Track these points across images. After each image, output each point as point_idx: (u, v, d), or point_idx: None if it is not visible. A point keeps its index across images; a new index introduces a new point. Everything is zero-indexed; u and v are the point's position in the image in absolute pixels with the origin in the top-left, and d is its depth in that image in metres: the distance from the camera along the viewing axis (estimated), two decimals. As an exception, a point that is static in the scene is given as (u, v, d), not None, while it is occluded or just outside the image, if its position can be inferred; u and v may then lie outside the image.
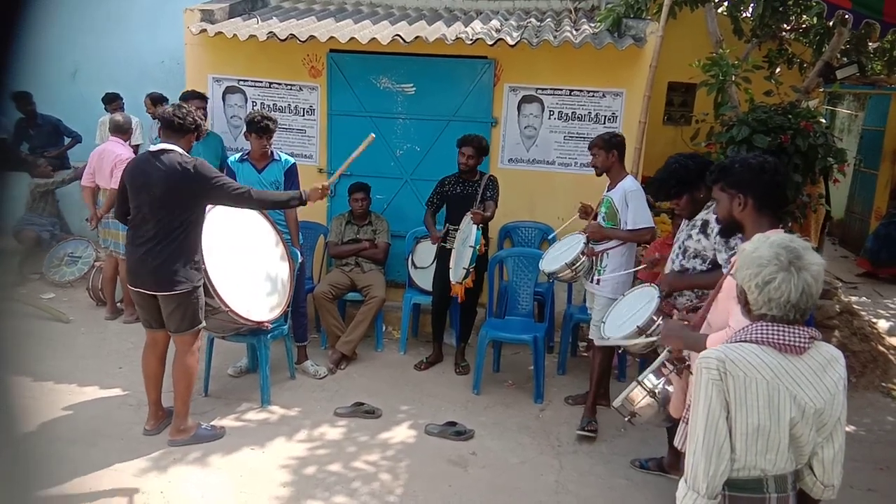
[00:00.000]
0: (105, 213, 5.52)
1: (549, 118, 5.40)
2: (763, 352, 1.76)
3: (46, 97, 7.16)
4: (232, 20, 5.56)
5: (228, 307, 3.80)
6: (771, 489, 1.79)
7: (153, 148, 3.68)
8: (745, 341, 1.79)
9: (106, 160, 5.43)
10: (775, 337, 1.76)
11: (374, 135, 4.12)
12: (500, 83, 5.40)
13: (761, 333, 1.78)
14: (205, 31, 5.26)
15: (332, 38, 5.04)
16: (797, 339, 1.75)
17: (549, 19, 5.76)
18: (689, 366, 2.55)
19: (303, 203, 3.91)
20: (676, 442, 2.59)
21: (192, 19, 5.43)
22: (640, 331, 3.11)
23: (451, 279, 4.61)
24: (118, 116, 5.72)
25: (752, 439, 1.74)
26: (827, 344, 1.86)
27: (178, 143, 3.63)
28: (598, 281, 4.09)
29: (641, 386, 2.56)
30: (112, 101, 6.88)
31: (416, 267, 5.33)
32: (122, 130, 5.58)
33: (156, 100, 6.47)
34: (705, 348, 2.16)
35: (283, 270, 4.32)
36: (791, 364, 1.76)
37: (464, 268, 4.43)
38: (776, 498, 1.80)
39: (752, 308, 1.81)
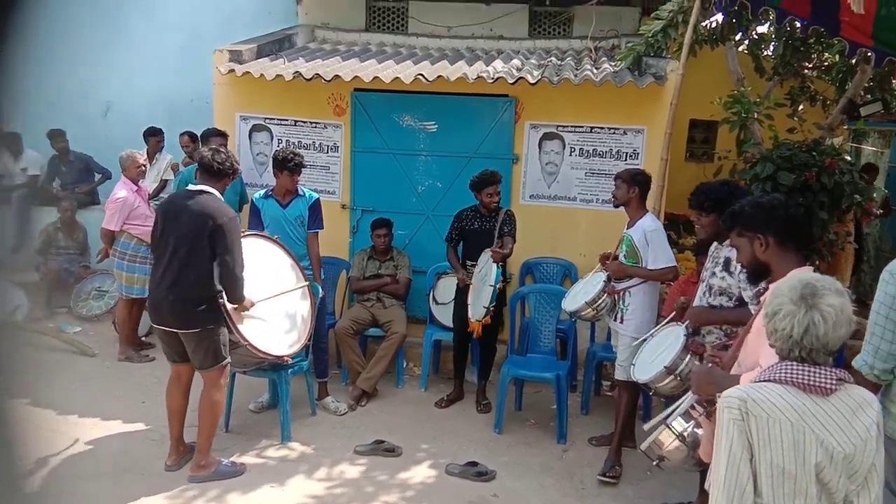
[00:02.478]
0: (102, 251, 5.65)
1: (571, 155, 5.43)
2: (787, 392, 1.72)
3: (79, 135, 7.37)
4: (259, 60, 5.71)
5: (248, 342, 3.82)
6: (804, 536, 1.73)
7: (191, 188, 3.77)
8: (769, 381, 1.75)
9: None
10: (799, 377, 1.72)
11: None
12: (521, 120, 5.45)
13: (785, 373, 1.74)
14: (233, 70, 5.40)
15: (356, 77, 5.14)
16: (823, 380, 1.71)
17: (569, 58, 5.82)
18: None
19: (236, 303, 3.73)
20: (707, 484, 2.51)
21: (220, 59, 5.58)
22: (668, 371, 3.05)
23: (470, 316, 4.59)
24: (122, 153, 5.61)
25: (778, 482, 1.69)
26: (858, 387, 1.81)
27: (215, 186, 3.72)
28: (622, 319, 4.05)
29: (670, 429, 2.50)
30: (152, 136, 6.92)
31: (437, 303, 5.33)
32: (121, 168, 5.55)
33: (193, 137, 6.61)
34: None
35: (303, 306, 4.33)
36: (817, 406, 1.71)
37: (484, 306, 4.42)
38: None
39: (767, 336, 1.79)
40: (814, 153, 4.44)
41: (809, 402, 1.71)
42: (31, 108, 7.80)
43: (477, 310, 4.50)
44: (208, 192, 3.68)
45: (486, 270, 4.55)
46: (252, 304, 3.87)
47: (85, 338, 5.86)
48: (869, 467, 1.74)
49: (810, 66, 6.48)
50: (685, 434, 2.49)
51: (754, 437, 1.69)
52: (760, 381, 1.78)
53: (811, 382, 1.71)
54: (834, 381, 1.72)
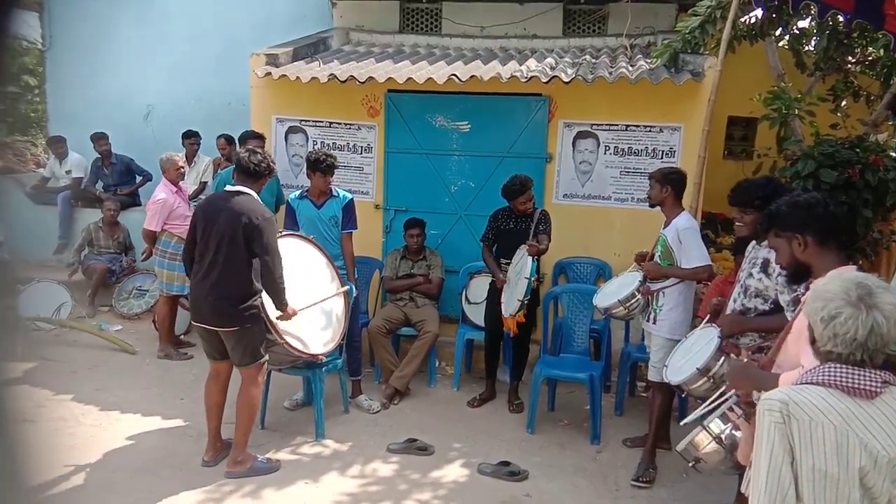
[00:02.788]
0: (146, 250, 5.81)
1: (605, 153, 5.38)
2: (830, 395, 1.67)
3: (121, 137, 7.56)
4: (295, 63, 5.78)
5: (284, 340, 3.87)
6: (846, 543, 1.68)
7: (229, 188, 3.85)
8: (812, 383, 1.71)
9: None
10: (843, 379, 1.67)
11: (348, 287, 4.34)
12: (554, 119, 5.42)
13: (828, 375, 1.69)
14: (269, 74, 5.48)
15: (390, 78, 5.17)
16: (868, 383, 1.66)
17: (604, 56, 5.77)
18: (758, 410, 2.44)
19: (281, 310, 3.80)
20: (743, 488, 2.47)
21: (257, 63, 5.67)
22: (701, 373, 3.01)
23: (504, 312, 4.57)
24: (162, 155, 5.77)
25: (820, 487, 1.65)
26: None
27: (252, 186, 3.79)
28: (655, 320, 3.99)
29: (707, 431, 2.45)
30: (188, 138, 7.10)
31: (469, 302, 5.33)
32: (161, 170, 5.70)
33: (229, 140, 6.74)
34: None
35: (338, 305, 4.38)
36: (861, 409, 1.66)
37: (518, 300, 4.39)
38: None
39: (819, 344, 1.73)
40: (857, 150, 4.32)
41: (853, 405, 1.66)
42: (76, 111, 8.07)
43: (511, 304, 4.48)
44: (245, 193, 3.75)
45: (521, 264, 4.53)
46: (295, 313, 3.89)
47: (125, 336, 6.01)
48: (915, 472, 1.69)
49: (853, 60, 6.30)
50: (723, 436, 2.44)
51: (796, 440, 1.65)
52: (802, 383, 1.74)
53: (855, 385, 1.66)
54: (879, 384, 1.67)
